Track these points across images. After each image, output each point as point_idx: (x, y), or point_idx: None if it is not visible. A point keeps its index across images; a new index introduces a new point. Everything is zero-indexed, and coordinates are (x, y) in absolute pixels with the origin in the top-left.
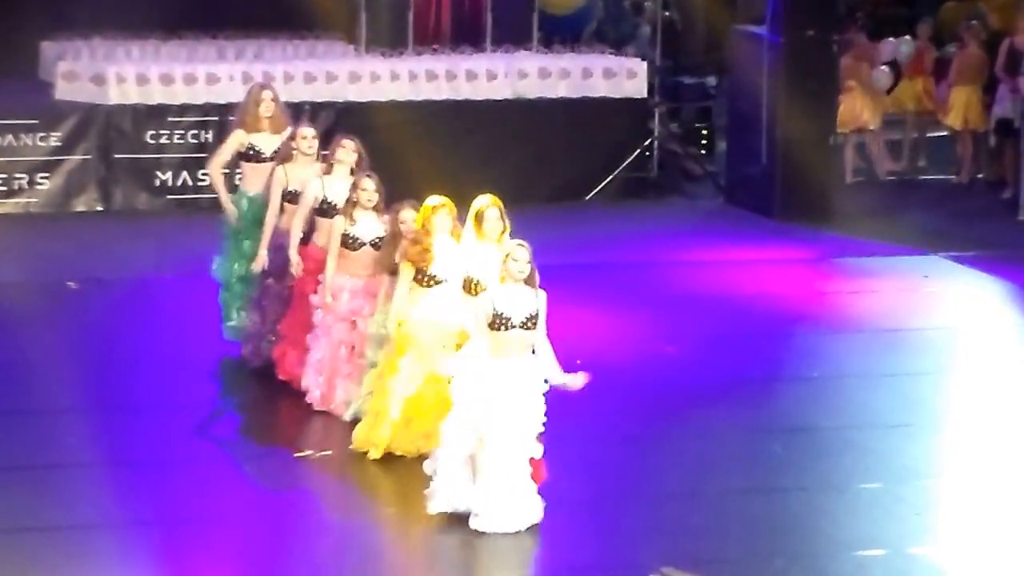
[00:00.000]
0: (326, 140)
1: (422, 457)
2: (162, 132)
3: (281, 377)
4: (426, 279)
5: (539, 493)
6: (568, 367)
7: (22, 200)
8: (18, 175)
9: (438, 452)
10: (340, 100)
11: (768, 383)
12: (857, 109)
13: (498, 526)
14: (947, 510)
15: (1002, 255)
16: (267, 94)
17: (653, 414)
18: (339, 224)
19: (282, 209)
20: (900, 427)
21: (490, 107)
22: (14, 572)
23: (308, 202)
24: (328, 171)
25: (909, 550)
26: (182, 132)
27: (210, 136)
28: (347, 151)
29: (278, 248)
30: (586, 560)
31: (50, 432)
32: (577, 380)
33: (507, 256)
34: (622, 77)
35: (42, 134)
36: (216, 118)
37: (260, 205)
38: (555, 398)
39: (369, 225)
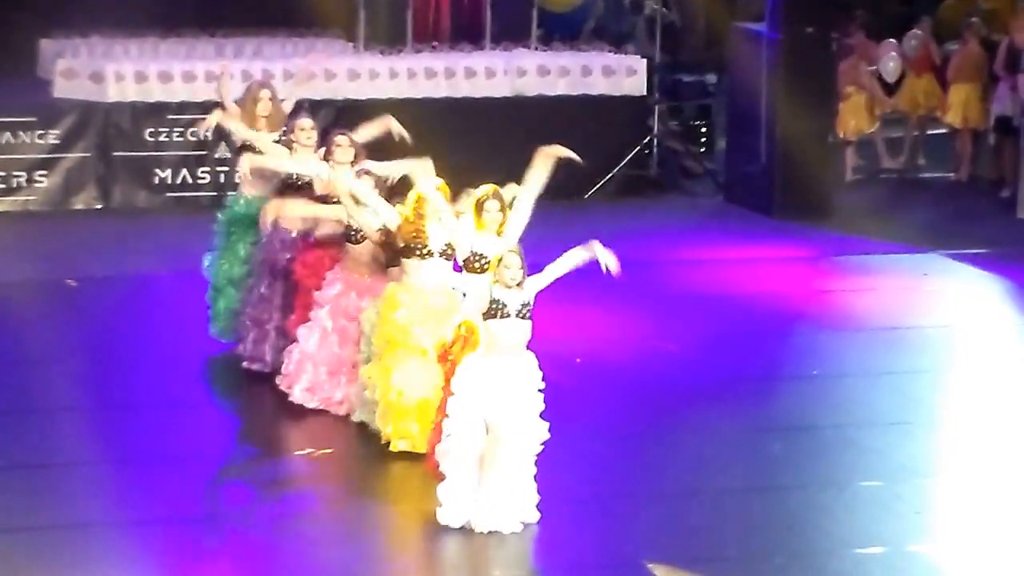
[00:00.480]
0: (324, 138)
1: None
2: (161, 130)
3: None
4: (420, 251)
5: (538, 492)
6: (568, 365)
7: (21, 198)
8: (17, 173)
9: (448, 457)
10: (339, 98)
11: (767, 381)
12: (854, 117)
13: (497, 524)
14: (946, 508)
15: (1001, 253)
16: (265, 93)
17: (653, 412)
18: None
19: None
20: (899, 425)
21: (489, 105)
22: (13, 571)
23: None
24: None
25: (908, 548)
26: (181, 130)
27: (208, 134)
28: (344, 150)
29: (281, 246)
30: (585, 558)
31: (49, 430)
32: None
33: (500, 263)
34: (621, 75)
35: (41, 132)
36: None
37: (257, 207)
38: (555, 397)
39: (371, 219)
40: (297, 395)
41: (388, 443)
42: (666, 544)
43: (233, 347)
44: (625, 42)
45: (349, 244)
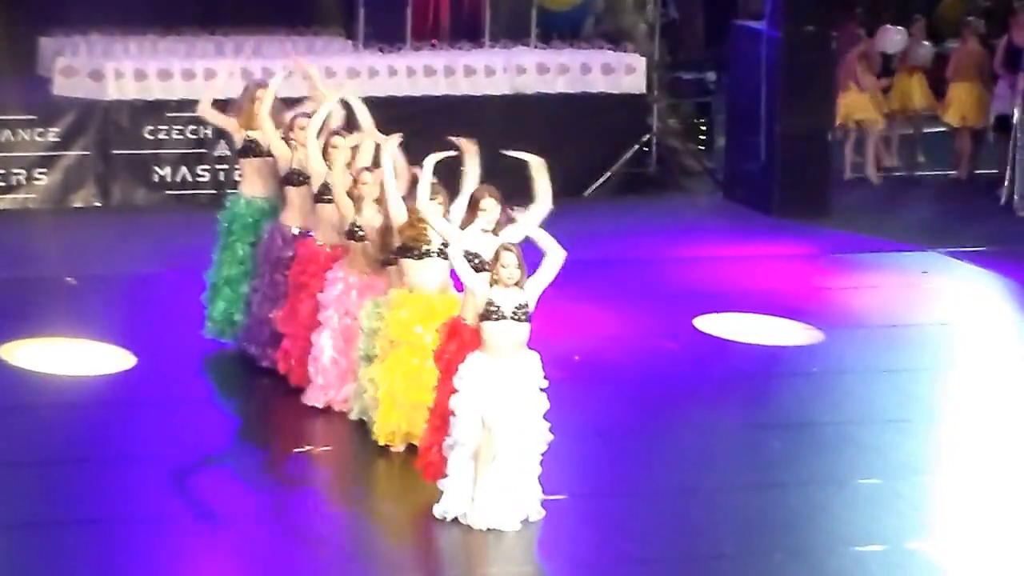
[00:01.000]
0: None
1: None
2: (160, 128)
3: (283, 372)
4: (419, 253)
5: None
6: (567, 363)
7: (20, 196)
8: (16, 171)
9: (449, 453)
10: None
11: (767, 379)
12: (857, 105)
13: (495, 522)
14: (945, 506)
15: (1000, 251)
16: (263, 92)
17: (651, 409)
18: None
19: (284, 202)
20: (898, 423)
21: (488, 103)
22: (14, 568)
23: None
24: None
25: (907, 545)
26: (180, 128)
27: (208, 132)
28: (340, 151)
29: (283, 243)
30: (585, 555)
31: (49, 428)
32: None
33: (496, 262)
34: (621, 72)
35: (40, 130)
36: None
37: (257, 208)
38: (554, 394)
39: (372, 217)
40: (313, 397)
41: (388, 442)
42: (665, 541)
43: (230, 346)
44: (624, 40)
45: (352, 242)
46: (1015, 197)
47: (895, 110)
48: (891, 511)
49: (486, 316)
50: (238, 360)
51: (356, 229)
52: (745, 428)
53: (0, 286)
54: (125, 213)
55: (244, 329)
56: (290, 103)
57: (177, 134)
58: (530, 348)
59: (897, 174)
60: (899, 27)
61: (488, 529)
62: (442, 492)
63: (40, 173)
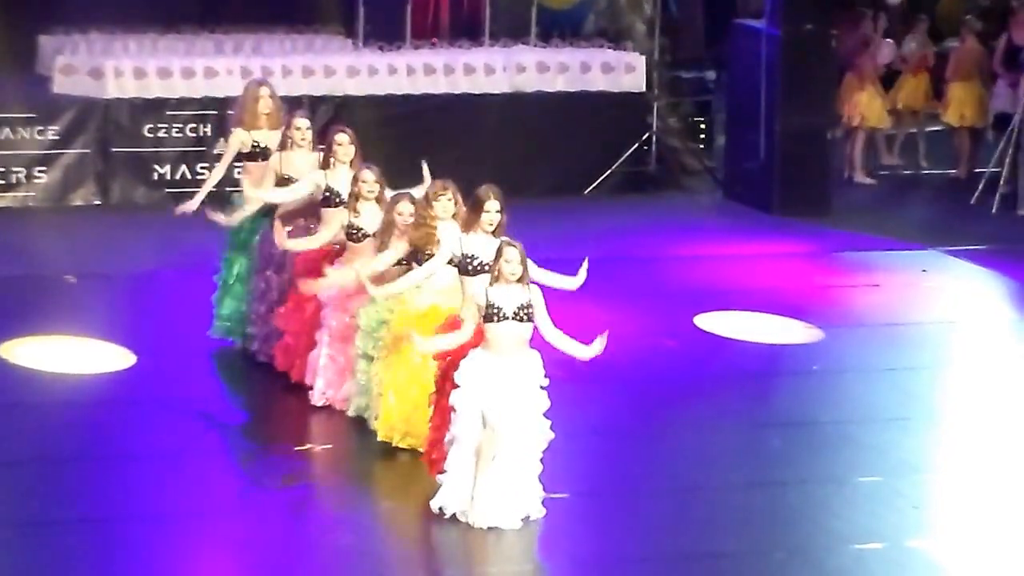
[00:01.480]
0: (323, 134)
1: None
2: (160, 126)
3: (281, 369)
4: (427, 255)
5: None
6: (568, 361)
7: (20, 194)
8: (16, 169)
9: (450, 450)
10: (338, 94)
11: (767, 377)
12: (863, 105)
13: (496, 520)
14: (945, 504)
15: (1000, 249)
16: (264, 91)
17: (652, 408)
18: (342, 216)
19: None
20: (898, 421)
21: (488, 101)
22: (14, 567)
23: (305, 191)
24: (327, 165)
25: (907, 543)
26: (180, 126)
27: (208, 130)
28: (345, 148)
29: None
30: (584, 553)
31: (49, 427)
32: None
33: (499, 257)
34: (620, 71)
35: (40, 128)
36: (214, 112)
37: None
38: (554, 393)
39: (372, 216)
40: (315, 398)
41: (390, 439)
42: (666, 540)
43: (231, 344)
44: (624, 38)
45: (350, 243)
46: (1017, 196)
47: (899, 110)
48: (891, 509)
49: (488, 318)
50: (238, 358)
51: (354, 229)
52: (746, 426)
53: (0, 284)
54: (125, 211)
55: (246, 326)
56: (292, 102)
57: (177, 132)
58: (531, 347)
59: (903, 173)
60: (889, 40)
61: (488, 527)
62: (440, 486)
63: (40, 171)
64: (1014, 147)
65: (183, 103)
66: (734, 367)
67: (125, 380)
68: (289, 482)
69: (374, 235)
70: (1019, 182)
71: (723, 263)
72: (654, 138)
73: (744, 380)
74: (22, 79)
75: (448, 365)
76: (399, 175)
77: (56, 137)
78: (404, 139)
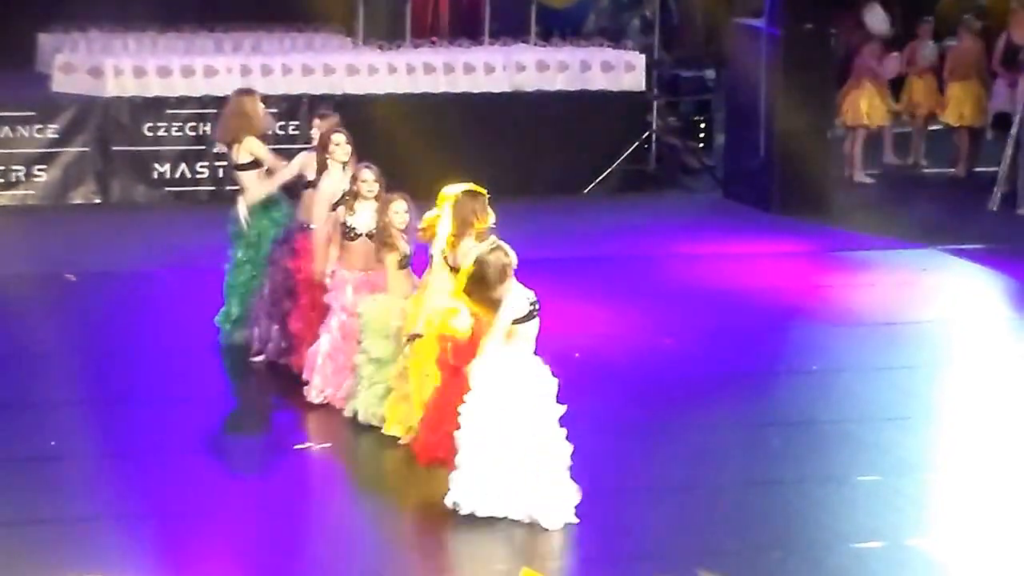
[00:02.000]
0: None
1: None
2: (160, 124)
3: (297, 371)
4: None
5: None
6: (568, 360)
7: (20, 192)
8: (16, 167)
9: (463, 446)
10: (338, 93)
11: (766, 376)
12: (865, 107)
13: (487, 510)
14: (944, 502)
15: (999, 249)
16: (258, 97)
17: (651, 407)
18: (339, 214)
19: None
20: (898, 420)
21: (488, 100)
22: (13, 565)
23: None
24: (324, 167)
25: (906, 542)
26: (180, 124)
27: (208, 128)
28: (343, 148)
29: (285, 239)
30: (583, 552)
31: (49, 424)
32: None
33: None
34: (620, 70)
35: (39, 126)
36: (214, 110)
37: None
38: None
39: (367, 216)
40: (313, 395)
41: (398, 437)
42: (665, 538)
43: (229, 343)
44: (624, 38)
45: (345, 241)
46: (1017, 195)
47: (903, 111)
48: (890, 508)
49: (529, 316)
50: (238, 357)
51: (348, 228)
52: (745, 425)
53: (0, 282)
54: (124, 210)
55: (248, 326)
56: (291, 101)
57: (176, 131)
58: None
59: (903, 172)
60: (895, 54)
61: (485, 525)
62: (452, 482)
63: (40, 169)
64: (1014, 146)
65: (183, 102)
66: (733, 366)
67: (124, 377)
68: (290, 480)
69: (368, 235)
70: (1019, 181)
71: (722, 262)
72: (654, 137)
73: (743, 379)
74: (22, 77)
75: (456, 355)
76: (398, 174)
77: (56, 135)
78: (403, 138)
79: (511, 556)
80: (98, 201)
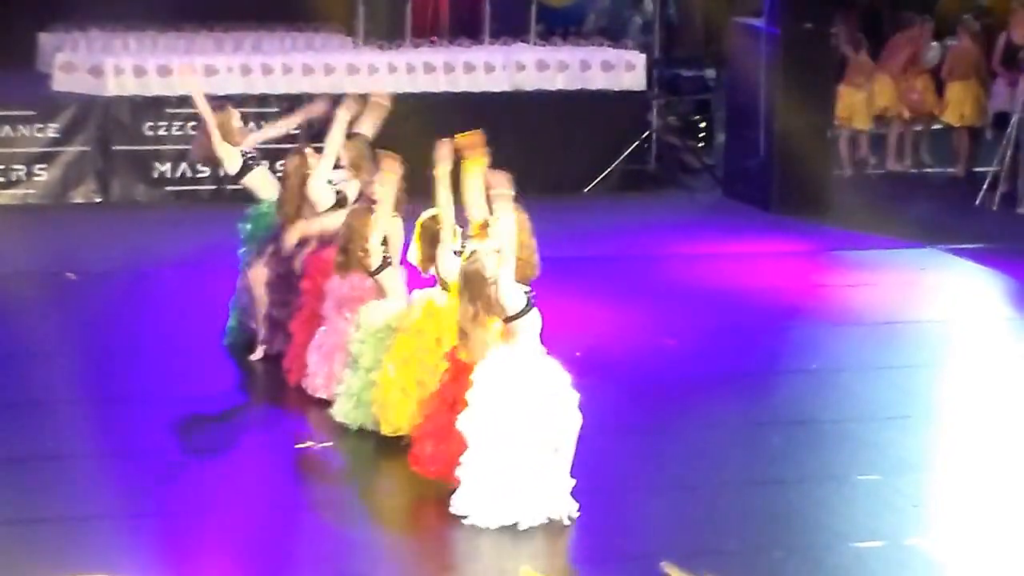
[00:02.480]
0: (323, 133)
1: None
2: (160, 124)
3: (292, 382)
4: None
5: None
6: (568, 359)
7: (20, 191)
8: (16, 166)
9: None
10: (338, 92)
11: (766, 375)
12: (853, 108)
13: (487, 519)
14: (944, 502)
15: (999, 248)
16: (235, 116)
17: (651, 406)
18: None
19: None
20: (898, 419)
21: (488, 99)
22: (13, 564)
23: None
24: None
25: (906, 541)
26: (180, 124)
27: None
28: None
29: (277, 235)
30: (582, 551)
31: (49, 423)
32: None
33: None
34: (620, 70)
35: (40, 125)
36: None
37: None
38: None
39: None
40: (308, 384)
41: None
42: (664, 537)
43: (230, 342)
44: (624, 37)
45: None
46: (1016, 194)
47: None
48: (890, 507)
49: (522, 312)
50: (238, 355)
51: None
52: (745, 424)
53: (0, 281)
54: (125, 209)
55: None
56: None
57: (177, 130)
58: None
59: (903, 172)
60: (935, 43)
61: (485, 527)
62: (457, 487)
63: (40, 169)
64: (1013, 146)
65: (183, 101)
66: (733, 365)
67: (124, 376)
68: (291, 479)
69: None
70: (1019, 181)
71: (722, 261)
72: (654, 136)
73: (743, 378)
74: (22, 76)
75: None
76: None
77: (56, 134)
78: (403, 137)
79: (510, 555)
80: (98, 200)
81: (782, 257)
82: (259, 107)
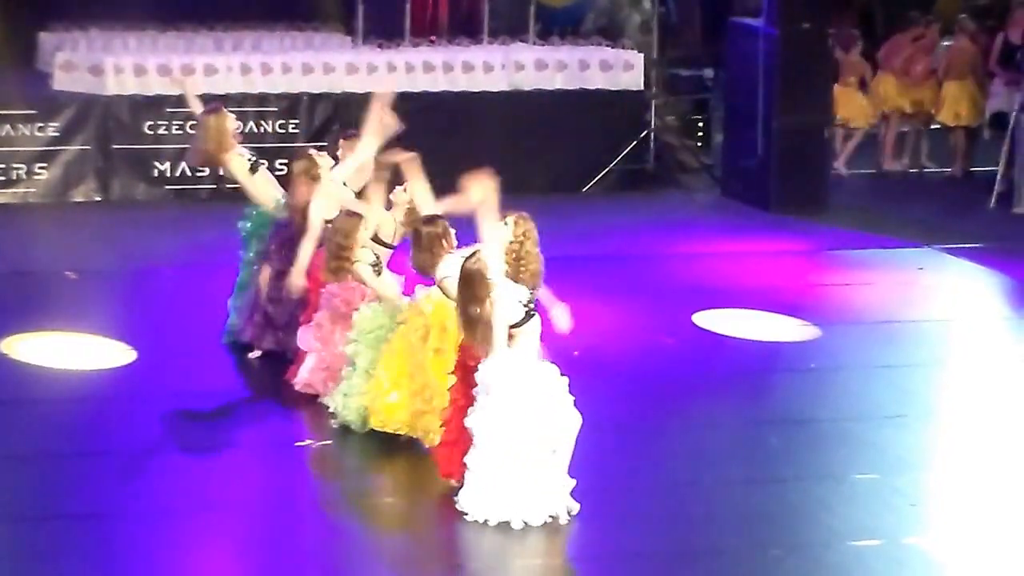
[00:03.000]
0: (322, 132)
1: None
2: (160, 123)
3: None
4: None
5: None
6: (567, 358)
7: (20, 190)
8: (16, 165)
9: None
10: (337, 91)
11: (764, 375)
12: (848, 106)
13: (485, 514)
14: (942, 501)
15: (996, 248)
16: (228, 118)
17: (650, 405)
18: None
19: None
20: (896, 418)
21: (486, 99)
22: (13, 562)
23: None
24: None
25: (904, 540)
26: (180, 123)
27: None
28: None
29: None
30: (581, 549)
31: (48, 422)
32: None
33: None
34: (619, 69)
35: (40, 124)
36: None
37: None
38: None
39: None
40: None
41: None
42: (664, 536)
43: (230, 340)
44: (622, 37)
45: None
46: (1012, 194)
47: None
48: (888, 506)
49: (521, 322)
50: (237, 354)
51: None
52: (743, 424)
53: (0, 280)
54: (125, 208)
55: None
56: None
57: (177, 129)
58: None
59: (902, 172)
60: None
61: (483, 524)
62: (461, 486)
63: (40, 167)
64: (1009, 145)
65: (183, 100)
66: (732, 364)
67: (125, 376)
68: (291, 478)
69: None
70: (1015, 180)
71: (720, 260)
72: (652, 136)
73: (741, 377)
74: (22, 75)
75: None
76: (397, 173)
77: (56, 133)
78: (402, 137)
79: (510, 553)
80: (98, 199)
81: (780, 256)
82: (258, 106)
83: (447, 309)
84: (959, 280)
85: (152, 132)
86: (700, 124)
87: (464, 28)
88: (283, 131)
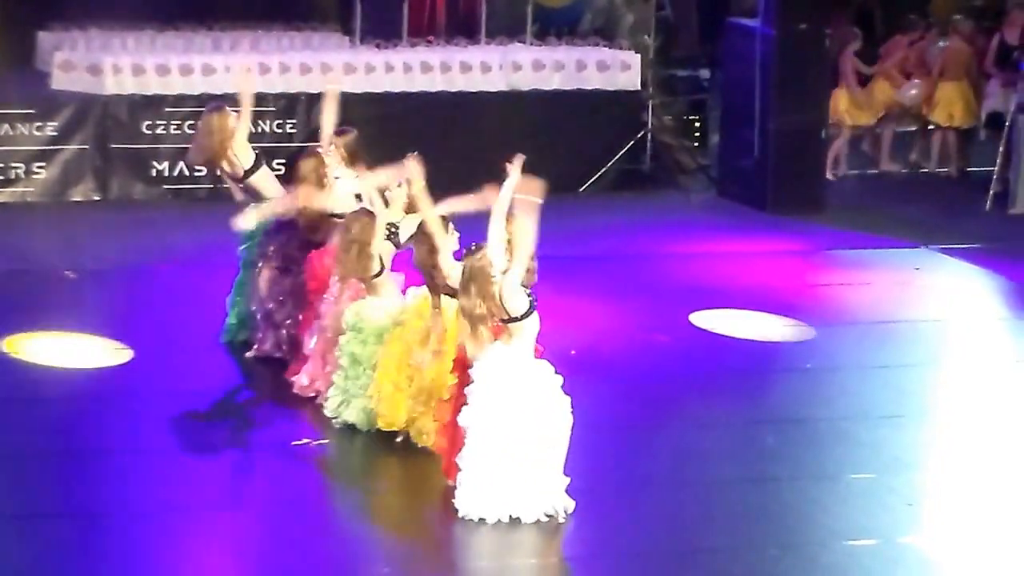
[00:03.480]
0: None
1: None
2: (158, 122)
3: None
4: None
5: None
6: (563, 357)
7: (19, 189)
8: (15, 164)
9: (469, 447)
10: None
11: (760, 374)
12: (843, 106)
13: (481, 513)
14: (938, 500)
15: (992, 248)
16: (230, 116)
17: (646, 404)
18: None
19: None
20: (892, 418)
21: (484, 99)
22: (12, 560)
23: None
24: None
25: (900, 540)
26: (178, 122)
27: None
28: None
29: (288, 240)
30: (578, 549)
31: (46, 421)
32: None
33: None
34: (616, 70)
35: (38, 123)
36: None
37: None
38: None
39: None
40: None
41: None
42: (660, 535)
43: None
44: (620, 37)
45: None
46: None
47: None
48: (883, 506)
49: (524, 315)
50: (235, 353)
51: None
52: (739, 423)
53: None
54: (123, 207)
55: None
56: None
57: (175, 129)
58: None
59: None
60: (917, 81)
61: (480, 522)
62: (457, 485)
63: (38, 167)
64: (1006, 146)
65: (181, 100)
66: (728, 364)
67: (123, 375)
68: (290, 477)
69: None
70: (1011, 181)
71: (717, 260)
72: (649, 136)
73: (738, 377)
74: (21, 75)
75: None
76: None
77: (55, 133)
78: (400, 137)
79: (506, 551)
80: (97, 198)
81: (776, 256)
82: (256, 106)
83: (446, 311)
84: (955, 280)
85: (150, 132)
86: (697, 124)
87: (462, 28)
88: (280, 131)
